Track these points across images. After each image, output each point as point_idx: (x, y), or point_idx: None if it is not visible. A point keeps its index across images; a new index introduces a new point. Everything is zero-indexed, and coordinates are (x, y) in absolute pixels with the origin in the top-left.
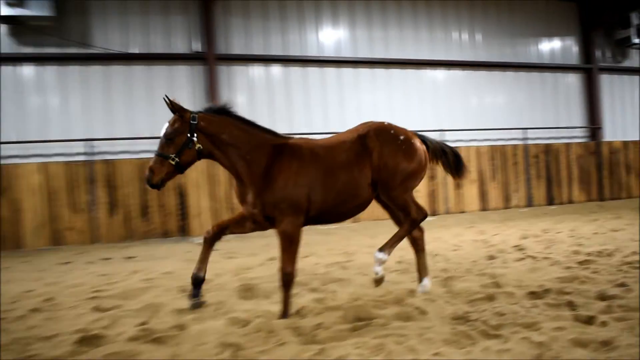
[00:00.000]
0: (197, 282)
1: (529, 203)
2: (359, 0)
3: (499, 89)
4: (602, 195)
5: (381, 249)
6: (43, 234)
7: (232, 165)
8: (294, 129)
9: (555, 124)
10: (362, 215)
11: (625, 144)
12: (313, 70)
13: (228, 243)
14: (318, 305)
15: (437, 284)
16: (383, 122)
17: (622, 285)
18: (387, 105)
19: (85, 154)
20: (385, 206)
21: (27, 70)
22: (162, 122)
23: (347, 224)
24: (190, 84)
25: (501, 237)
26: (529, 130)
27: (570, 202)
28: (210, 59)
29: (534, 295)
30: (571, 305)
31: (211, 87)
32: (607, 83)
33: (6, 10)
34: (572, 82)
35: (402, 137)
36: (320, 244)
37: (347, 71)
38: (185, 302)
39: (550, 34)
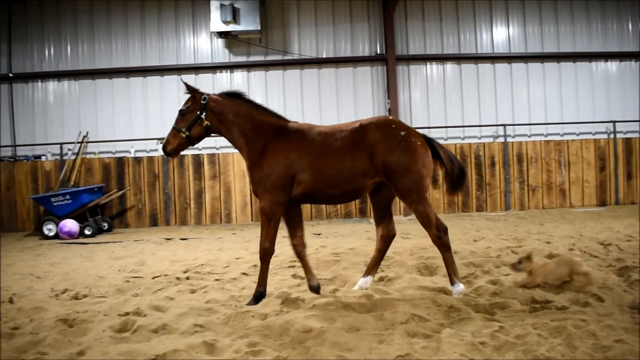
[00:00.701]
0: (315, 289)
1: None
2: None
3: None
4: None
5: (452, 283)
6: (247, 212)
7: (235, 142)
8: (466, 122)
9: None
10: (529, 203)
11: None
12: (484, 67)
13: (403, 225)
14: (493, 286)
15: (613, 272)
16: (387, 116)
17: None
18: (556, 99)
19: None
20: (374, 204)
21: (238, 76)
22: (345, 117)
23: (513, 212)
24: (371, 82)
25: None
26: None
27: None
28: (390, 60)
29: None
30: None
31: (390, 84)
32: None
33: (222, 27)
34: None
35: (402, 133)
36: (490, 229)
37: (518, 66)
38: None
39: None
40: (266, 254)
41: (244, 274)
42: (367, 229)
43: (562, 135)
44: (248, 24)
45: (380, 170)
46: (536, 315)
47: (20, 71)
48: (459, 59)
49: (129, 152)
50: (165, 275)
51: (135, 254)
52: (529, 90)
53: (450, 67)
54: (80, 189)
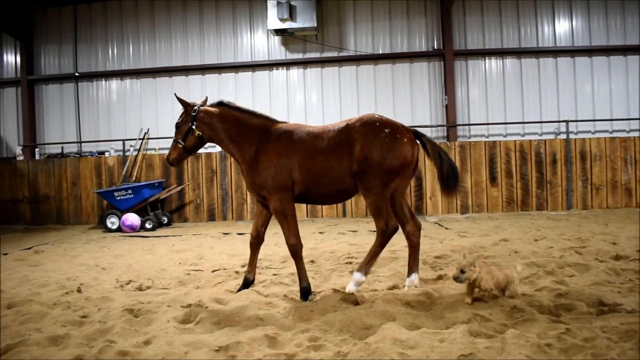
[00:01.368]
0: (247, 283)
1: None
2: None
3: None
4: None
5: (358, 270)
6: (301, 207)
7: (227, 148)
8: (526, 118)
9: None
10: (592, 202)
11: None
12: (546, 61)
13: (460, 223)
14: (557, 287)
15: None
16: (374, 114)
17: None
18: (622, 94)
19: None
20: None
21: (294, 73)
22: (401, 113)
23: (575, 211)
24: (428, 78)
25: None
26: None
27: None
28: (447, 55)
29: None
30: None
31: (447, 80)
32: None
33: (279, 25)
34: None
35: (386, 130)
36: (551, 229)
37: (582, 60)
38: (428, 274)
39: None
40: (295, 249)
41: None
42: (423, 227)
43: (628, 132)
44: (304, 21)
45: (360, 165)
46: (604, 318)
47: (85, 71)
48: (519, 53)
49: None
50: (224, 269)
51: (194, 248)
52: (593, 84)
53: (510, 61)
54: (142, 184)
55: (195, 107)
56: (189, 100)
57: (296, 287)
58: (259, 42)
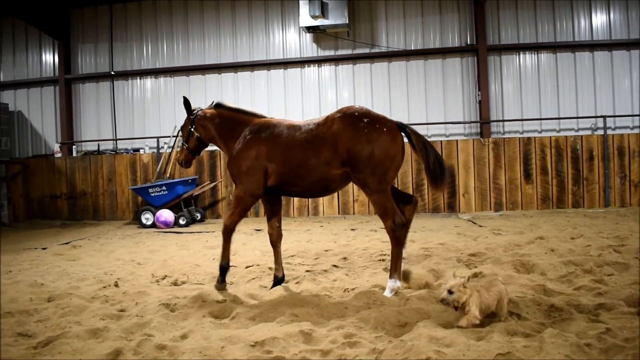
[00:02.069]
0: (278, 281)
1: None
2: None
3: None
4: None
5: (390, 277)
6: (333, 204)
7: (220, 145)
8: (562, 114)
9: None
10: (631, 199)
11: None
12: (582, 55)
13: (494, 221)
14: (596, 286)
15: None
16: (352, 106)
17: None
18: None
19: None
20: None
21: (326, 70)
22: (434, 110)
23: (612, 209)
24: (461, 73)
25: None
26: None
27: None
28: (481, 50)
29: None
30: None
31: (481, 76)
32: None
33: (311, 22)
34: None
35: (365, 120)
36: (588, 227)
37: (619, 54)
38: (463, 271)
39: None
40: (226, 231)
41: (335, 266)
42: (456, 224)
43: None
44: (336, 17)
45: (345, 160)
46: None
47: (120, 69)
48: (554, 47)
49: None
50: (258, 265)
51: None
52: (632, 79)
53: (545, 56)
54: (176, 180)
55: (194, 111)
56: (221, 98)
57: (329, 284)
58: (290, 40)
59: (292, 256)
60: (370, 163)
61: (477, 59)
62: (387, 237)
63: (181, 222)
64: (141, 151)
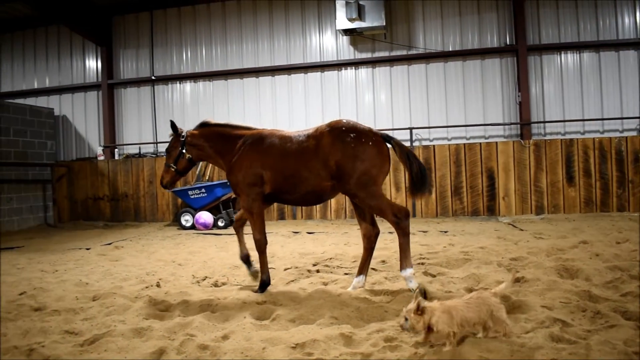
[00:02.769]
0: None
1: None
2: None
3: None
4: None
5: (403, 268)
6: None
7: (216, 162)
8: (605, 115)
9: None
10: None
11: None
12: (627, 54)
13: (535, 225)
14: None
15: None
16: (340, 120)
17: None
18: None
19: (407, 140)
20: (353, 204)
21: (363, 72)
22: (473, 111)
23: None
24: (500, 74)
25: None
26: None
27: None
28: (521, 50)
29: None
30: None
31: (521, 76)
32: None
33: (348, 25)
34: None
35: (352, 135)
36: (634, 231)
37: None
38: (504, 276)
39: None
40: (259, 244)
41: (373, 269)
42: (495, 228)
43: None
44: (373, 20)
45: (334, 173)
46: None
47: (161, 74)
48: (597, 46)
49: None
50: (296, 268)
51: None
52: None
53: (587, 55)
54: (215, 183)
55: (183, 133)
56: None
57: (368, 287)
58: (327, 43)
59: (330, 259)
60: (356, 175)
61: (517, 59)
62: (426, 240)
63: (220, 224)
64: None
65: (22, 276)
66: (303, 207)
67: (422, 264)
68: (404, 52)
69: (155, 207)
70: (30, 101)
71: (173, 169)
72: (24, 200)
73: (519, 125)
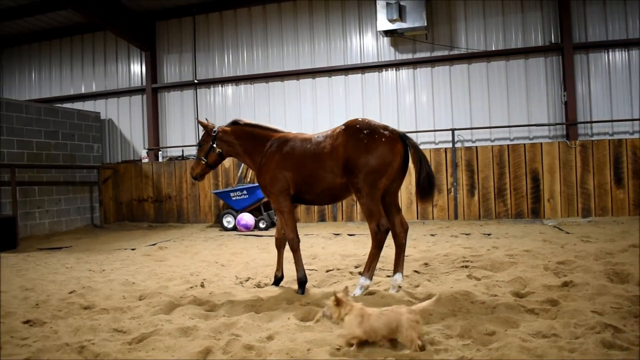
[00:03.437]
0: (277, 281)
1: None
2: None
3: None
4: None
5: (362, 274)
6: (412, 209)
7: (244, 160)
8: None
9: None
10: None
11: None
12: None
13: (582, 228)
14: None
15: None
16: (357, 118)
17: None
18: None
19: (449, 141)
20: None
21: (404, 73)
22: (516, 112)
23: None
24: (545, 74)
25: None
26: None
27: None
28: (566, 49)
29: None
30: None
31: (566, 75)
32: None
33: (388, 26)
34: None
35: (365, 132)
36: None
37: None
38: (552, 280)
39: None
40: (293, 243)
41: (416, 271)
42: (541, 230)
43: None
44: (414, 20)
45: (346, 168)
46: None
47: (203, 78)
48: None
49: None
50: (338, 269)
51: (306, 248)
52: None
53: (636, 52)
54: (256, 185)
55: (215, 129)
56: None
57: (412, 290)
58: (368, 44)
59: None
60: (365, 169)
61: (562, 58)
62: (469, 243)
63: (261, 225)
64: None
65: (71, 275)
66: (343, 209)
67: (466, 267)
68: (446, 53)
69: (197, 209)
70: (78, 105)
71: (204, 162)
72: (72, 202)
73: (564, 126)
